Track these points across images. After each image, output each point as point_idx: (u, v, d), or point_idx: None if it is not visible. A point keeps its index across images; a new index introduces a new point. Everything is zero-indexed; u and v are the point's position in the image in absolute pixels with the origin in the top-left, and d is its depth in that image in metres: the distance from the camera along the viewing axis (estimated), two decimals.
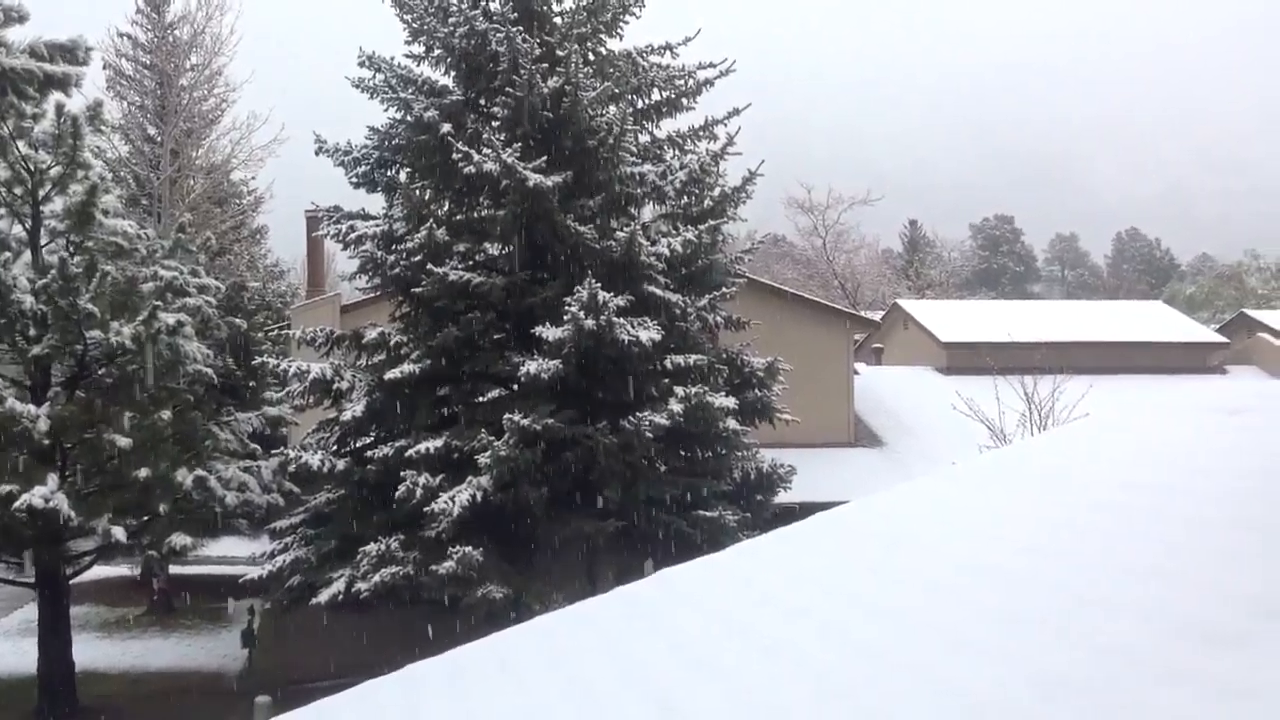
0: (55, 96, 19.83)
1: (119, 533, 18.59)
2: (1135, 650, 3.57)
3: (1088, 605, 4.11)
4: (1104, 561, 4.52)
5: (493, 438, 17.37)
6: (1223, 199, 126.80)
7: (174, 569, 30.13)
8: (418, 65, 21.47)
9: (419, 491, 17.46)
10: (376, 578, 17.41)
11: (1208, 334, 40.02)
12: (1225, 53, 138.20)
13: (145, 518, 20.36)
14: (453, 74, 21.35)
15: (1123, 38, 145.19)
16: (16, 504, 17.52)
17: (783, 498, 20.69)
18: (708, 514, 18.59)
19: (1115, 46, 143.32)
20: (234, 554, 30.19)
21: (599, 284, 17.61)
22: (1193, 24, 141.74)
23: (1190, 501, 4.81)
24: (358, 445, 20.26)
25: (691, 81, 21.51)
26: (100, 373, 20.72)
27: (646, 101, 21.67)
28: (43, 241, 20.33)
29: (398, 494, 17.67)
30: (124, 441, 18.57)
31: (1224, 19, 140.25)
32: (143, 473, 18.70)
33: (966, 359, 33.00)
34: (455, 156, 18.86)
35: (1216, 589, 3.85)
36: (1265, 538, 4.16)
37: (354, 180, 21.22)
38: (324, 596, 18.13)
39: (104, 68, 34.80)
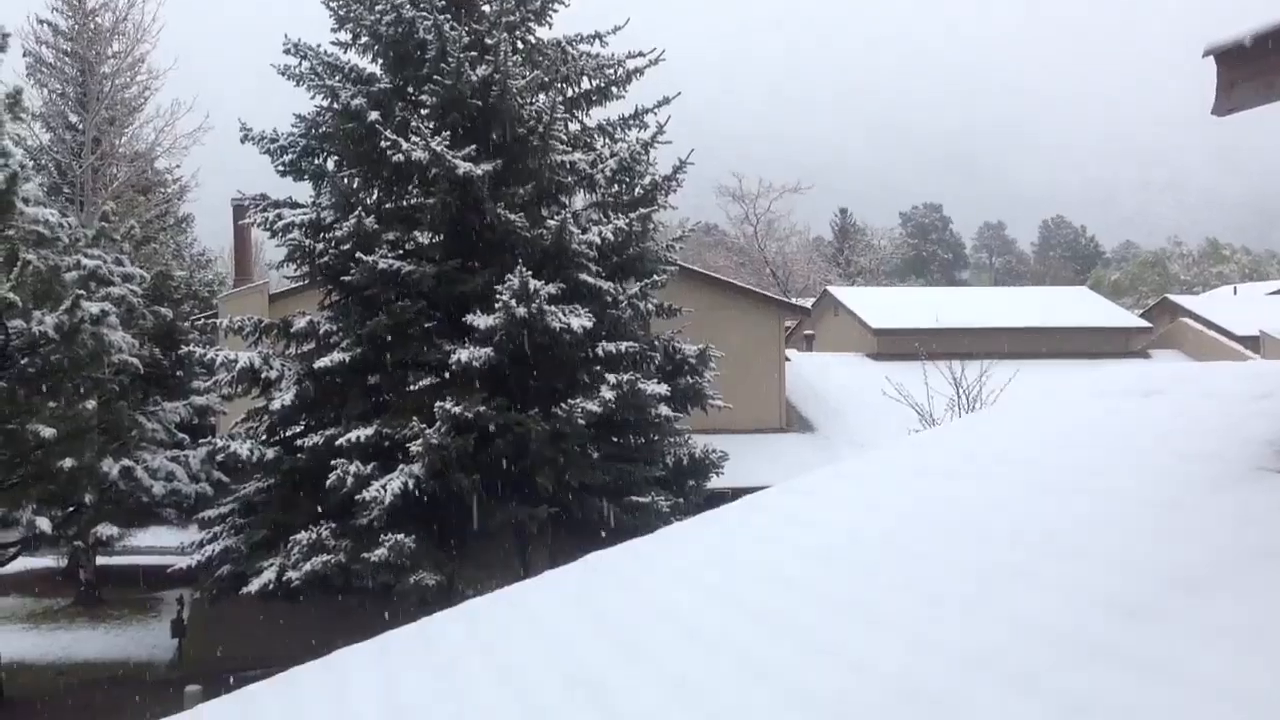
0: None
1: (44, 524, 18.38)
2: (1054, 626, 3.66)
3: (1003, 582, 4.20)
4: (1019, 539, 4.63)
5: (424, 425, 17.29)
6: (1144, 189, 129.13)
7: (101, 559, 29.79)
8: (344, 53, 21.25)
9: (350, 480, 17.34)
10: (308, 566, 17.29)
11: (1132, 319, 40.74)
12: (1140, 44, 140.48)
13: (70, 508, 20.12)
14: (380, 61, 21.13)
15: (1034, 35, 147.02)
16: None
17: (715, 483, 20.77)
18: (640, 499, 18.62)
19: (1030, 38, 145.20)
20: (162, 544, 29.85)
21: (530, 272, 17.58)
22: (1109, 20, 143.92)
23: (1104, 479, 4.93)
24: (287, 434, 20.08)
25: (621, 70, 21.47)
26: (23, 363, 20.40)
27: (576, 90, 21.60)
28: None
29: (328, 482, 17.53)
30: (48, 432, 18.30)
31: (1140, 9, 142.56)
32: (67, 463, 18.45)
33: (896, 345, 33.39)
34: (383, 144, 18.72)
35: (1131, 564, 3.95)
36: (1173, 513, 4.28)
37: (280, 168, 20.94)
38: (254, 586, 17.97)
39: (24, 55, 34.00)
